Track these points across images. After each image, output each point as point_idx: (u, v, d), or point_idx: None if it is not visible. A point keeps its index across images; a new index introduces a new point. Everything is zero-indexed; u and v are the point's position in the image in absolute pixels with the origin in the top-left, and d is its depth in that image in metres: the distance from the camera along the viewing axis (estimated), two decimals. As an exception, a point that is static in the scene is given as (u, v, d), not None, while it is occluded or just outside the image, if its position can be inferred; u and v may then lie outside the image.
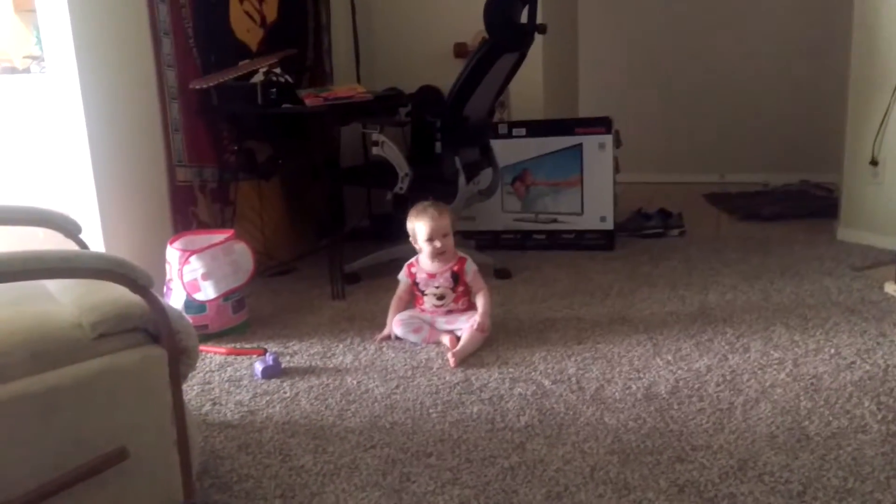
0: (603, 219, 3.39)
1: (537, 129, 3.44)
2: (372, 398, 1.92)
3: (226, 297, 2.44)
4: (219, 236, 2.52)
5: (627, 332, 2.31)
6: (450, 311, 2.34)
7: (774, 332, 2.26)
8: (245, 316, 2.54)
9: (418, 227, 2.31)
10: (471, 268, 2.33)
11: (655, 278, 2.91)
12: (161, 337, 1.29)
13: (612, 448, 1.60)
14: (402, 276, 2.40)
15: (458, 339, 2.23)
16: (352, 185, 3.67)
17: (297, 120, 3.15)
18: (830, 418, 1.69)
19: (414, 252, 2.41)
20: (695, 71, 5.21)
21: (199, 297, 2.40)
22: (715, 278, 2.86)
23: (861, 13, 3.18)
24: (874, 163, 3.18)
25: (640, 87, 5.34)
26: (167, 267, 2.46)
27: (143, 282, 1.24)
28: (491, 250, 3.33)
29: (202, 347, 2.18)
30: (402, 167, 2.78)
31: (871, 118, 3.17)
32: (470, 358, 2.15)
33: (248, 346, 2.34)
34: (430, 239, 2.28)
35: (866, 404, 1.75)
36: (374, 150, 2.80)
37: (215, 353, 2.29)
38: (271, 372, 2.08)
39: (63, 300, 1.36)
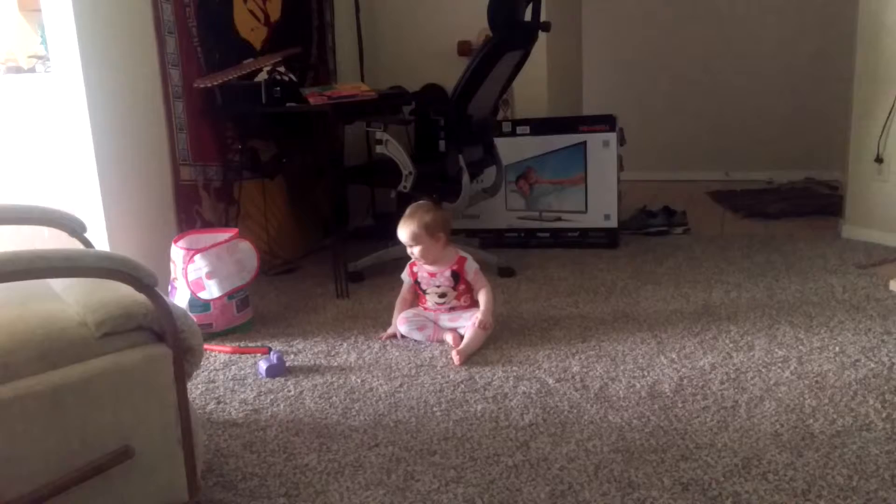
0: (607, 217, 3.39)
1: (541, 127, 3.43)
2: (376, 396, 1.92)
3: (230, 295, 2.44)
4: (223, 235, 2.52)
5: (631, 331, 2.31)
6: (452, 309, 2.34)
7: (779, 330, 2.25)
8: (249, 315, 2.54)
9: (398, 233, 2.31)
10: (471, 267, 2.33)
11: (659, 276, 2.90)
12: (166, 336, 1.29)
13: (616, 446, 1.60)
14: (405, 275, 2.40)
15: (462, 336, 2.23)
16: (356, 183, 3.68)
17: (301, 118, 3.15)
18: (835, 416, 1.69)
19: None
20: (699, 68, 5.20)
21: (204, 295, 2.40)
22: (719, 276, 2.85)
23: (866, 11, 3.17)
24: (879, 160, 3.17)
25: (644, 85, 5.33)
26: (172, 266, 2.47)
27: (147, 281, 1.24)
28: (495, 248, 3.33)
29: (206, 346, 2.19)
30: (406, 165, 2.78)
31: (876, 115, 3.16)
32: (474, 356, 2.15)
33: (252, 344, 2.35)
34: (409, 246, 2.29)
35: (871, 402, 1.74)
36: (378, 149, 2.80)
37: (220, 351, 2.29)
38: (275, 370, 2.08)
39: (68, 299, 1.36)
